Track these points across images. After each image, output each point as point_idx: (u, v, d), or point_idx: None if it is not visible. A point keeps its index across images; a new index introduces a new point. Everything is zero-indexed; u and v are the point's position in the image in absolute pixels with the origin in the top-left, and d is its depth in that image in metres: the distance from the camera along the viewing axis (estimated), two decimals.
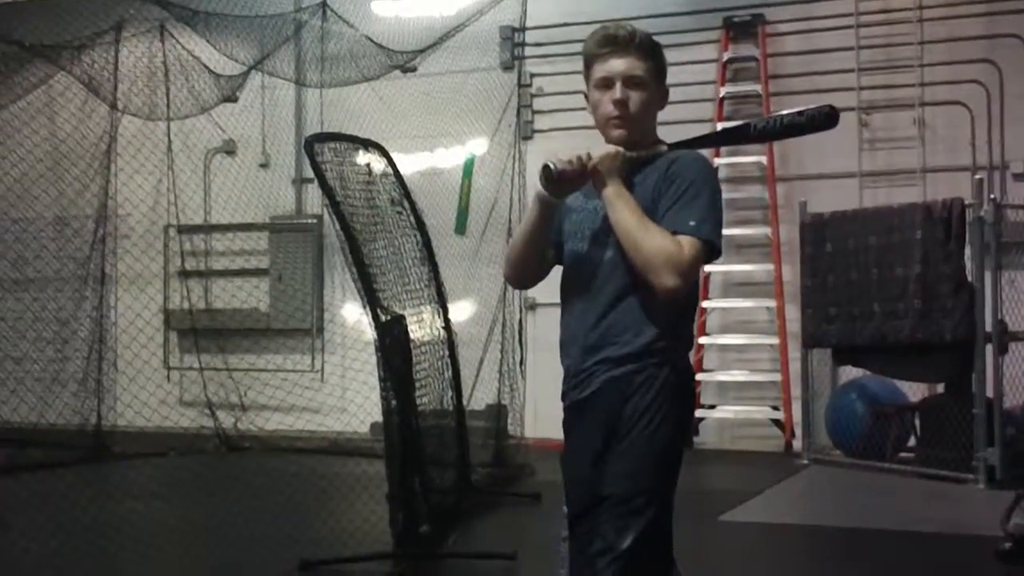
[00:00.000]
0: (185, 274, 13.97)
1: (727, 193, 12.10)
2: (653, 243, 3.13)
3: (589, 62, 3.41)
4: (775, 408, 11.70)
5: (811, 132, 3.37)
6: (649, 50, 3.38)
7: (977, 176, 10.04)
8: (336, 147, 7.16)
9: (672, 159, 3.31)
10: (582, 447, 3.33)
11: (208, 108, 12.55)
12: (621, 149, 3.29)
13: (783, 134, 3.45)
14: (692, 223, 3.16)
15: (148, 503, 8.71)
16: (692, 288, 3.31)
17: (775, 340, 11.71)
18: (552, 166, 3.23)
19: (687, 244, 3.14)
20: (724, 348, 12.11)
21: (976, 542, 6.98)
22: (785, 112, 3.39)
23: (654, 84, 3.38)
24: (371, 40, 11.55)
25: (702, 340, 11.77)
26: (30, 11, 12.00)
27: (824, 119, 3.33)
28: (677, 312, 3.29)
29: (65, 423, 11.84)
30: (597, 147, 3.29)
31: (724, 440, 12.07)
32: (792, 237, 11.24)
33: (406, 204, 7.88)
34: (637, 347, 3.25)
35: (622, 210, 3.20)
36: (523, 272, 3.56)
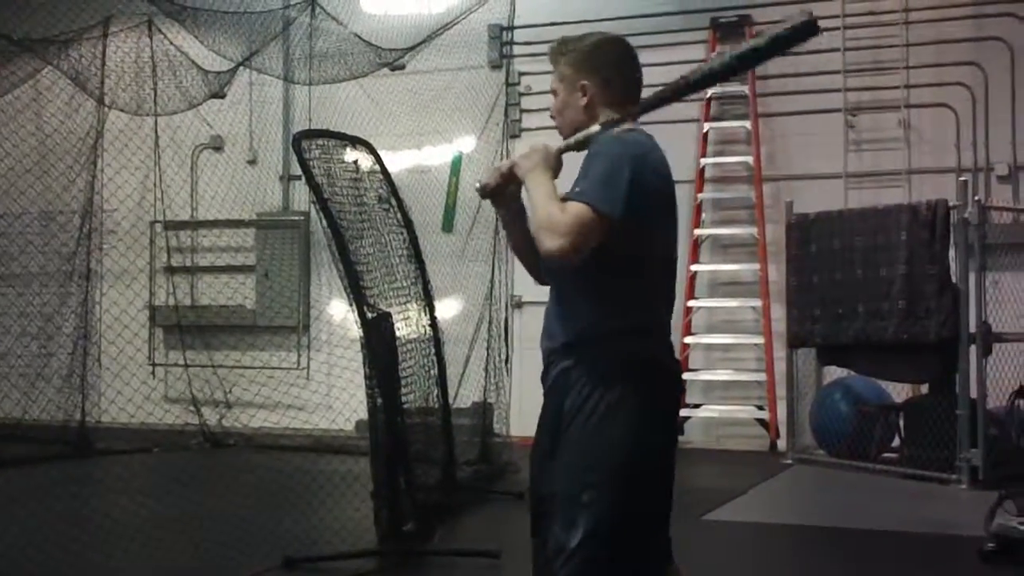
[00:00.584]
0: (171, 270, 13.94)
1: (713, 193, 12.19)
2: (541, 212, 3.17)
3: None
4: (760, 407, 11.74)
5: (774, 54, 3.20)
6: (561, 55, 3.50)
7: (962, 178, 10.08)
8: (324, 144, 7.15)
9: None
10: (536, 444, 3.38)
11: (196, 104, 12.52)
12: (546, 144, 3.37)
13: (733, 71, 3.39)
14: (577, 189, 3.17)
15: (132, 499, 8.68)
16: (626, 268, 3.25)
17: (760, 340, 11.74)
18: (478, 184, 3.52)
19: (569, 207, 3.13)
20: (710, 347, 12.14)
21: (959, 542, 7.01)
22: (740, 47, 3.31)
23: (568, 84, 3.46)
24: (359, 37, 11.54)
25: (687, 340, 11.80)
26: (18, 5, 11.96)
27: (800, 30, 3.08)
28: (607, 296, 3.26)
29: (49, 419, 11.82)
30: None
31: (709, 439, 12.10)
32: (778, 237, 11.27)
33: (393, 201, 7.87)
34: (569, 337, 3.28)
35: (531, 193, 3.27)
36: (529, 267, 3.63)
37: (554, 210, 3.14)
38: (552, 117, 3.51)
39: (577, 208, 3.12)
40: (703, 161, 12.06)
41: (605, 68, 3.45)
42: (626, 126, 3.37)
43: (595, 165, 3.21)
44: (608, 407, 3.18)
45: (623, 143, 3.28)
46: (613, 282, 3.24)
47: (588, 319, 3.26)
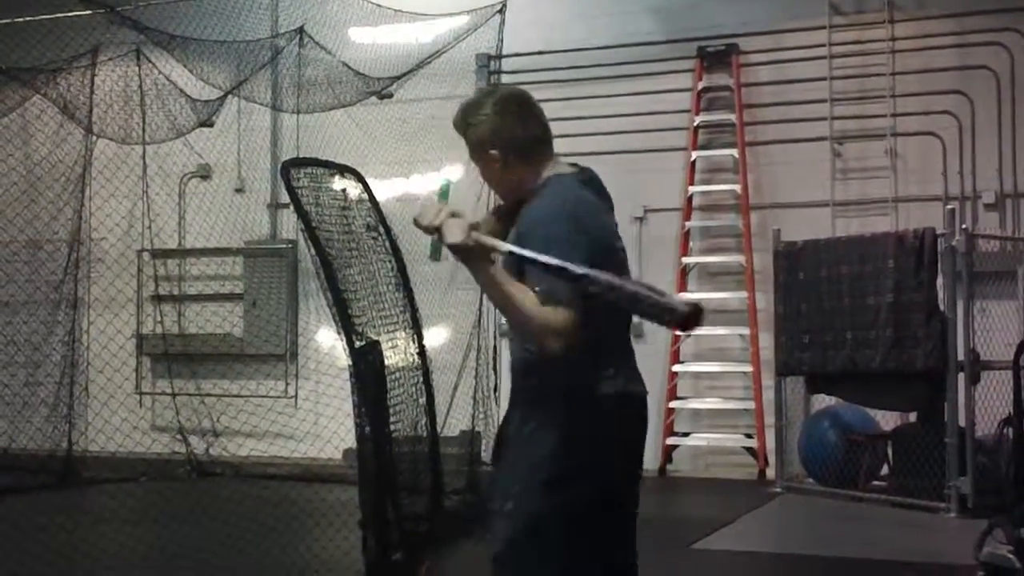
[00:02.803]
0: (158, 299, 13.92)
1: (701, 221, 12.19)
2: (523, 311, 3.13)
3: None
4: (748, 436, 11.72)
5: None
6: (463, 130, 3.69)
7: (949, 206, 10.11)
8: (312, 172, 7.14)
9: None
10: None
11: (184, 133, 12.53)
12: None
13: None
14: (539, 288, 3.13)
15: (118, 528, 8.64)
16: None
17: (748, 368, 11.74)
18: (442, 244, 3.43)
19: (550, 311, 3.09)
20: (698, 376, 12.13)
21: (949, 571, 7.00)
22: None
23: (479, 158, 3.64)
24: (348, 66, 11.57)
25: (675, 368, 11.79)
26: (5, 34, 11.96)
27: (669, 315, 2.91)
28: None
29: (36, 448, 11.76)
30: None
31: (697, 468, 12.08)
32: (766, 265, 11.28)
33: (381, 230, 7.86)
34: (515, 361, 3.41)
35: (490, 291, 3.24)
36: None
37: (532, 308, 3.10)
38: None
39: (561, 312, 3.08)
40: (691, 189, 12.07)
41: (506, 130, 3.51)
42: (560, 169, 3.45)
43: (533, 247, 3.16)
44: (534, 431, 3.27)
45: (553, 208, 3.34)
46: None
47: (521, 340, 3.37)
